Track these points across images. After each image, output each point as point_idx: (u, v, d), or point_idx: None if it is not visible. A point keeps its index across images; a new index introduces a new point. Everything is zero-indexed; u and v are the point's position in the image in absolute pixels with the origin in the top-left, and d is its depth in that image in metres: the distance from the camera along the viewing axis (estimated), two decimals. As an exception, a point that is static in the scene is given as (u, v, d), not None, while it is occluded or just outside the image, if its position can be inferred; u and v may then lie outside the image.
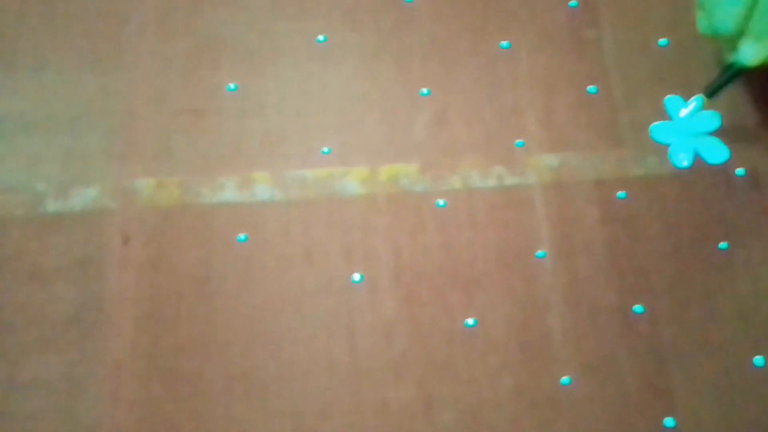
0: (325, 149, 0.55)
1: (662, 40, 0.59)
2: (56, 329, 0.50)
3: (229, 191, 0.54)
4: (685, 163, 0.55)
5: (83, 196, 0.54)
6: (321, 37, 0.58)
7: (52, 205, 0.53)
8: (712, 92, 0.54)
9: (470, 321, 0.51)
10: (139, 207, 0.53)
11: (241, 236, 0.52)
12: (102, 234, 0.52)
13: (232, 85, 0.57)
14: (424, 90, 0.57)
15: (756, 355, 0.50)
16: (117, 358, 0.49)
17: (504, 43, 0.59)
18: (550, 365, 0.50)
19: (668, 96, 0.57)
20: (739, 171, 0.55)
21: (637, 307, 0.51)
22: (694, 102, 0.54)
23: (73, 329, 0.50)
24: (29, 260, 0.51)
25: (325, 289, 0.51)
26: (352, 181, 0.55)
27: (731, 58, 0.50)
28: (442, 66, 0.58)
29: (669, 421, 0.49)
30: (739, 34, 0.46)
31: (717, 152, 0.56)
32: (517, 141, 0.56)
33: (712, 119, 0.57)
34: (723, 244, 0.53)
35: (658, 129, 0.57)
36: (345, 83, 0.57)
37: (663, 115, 0.57)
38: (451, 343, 0.50)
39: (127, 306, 0.50)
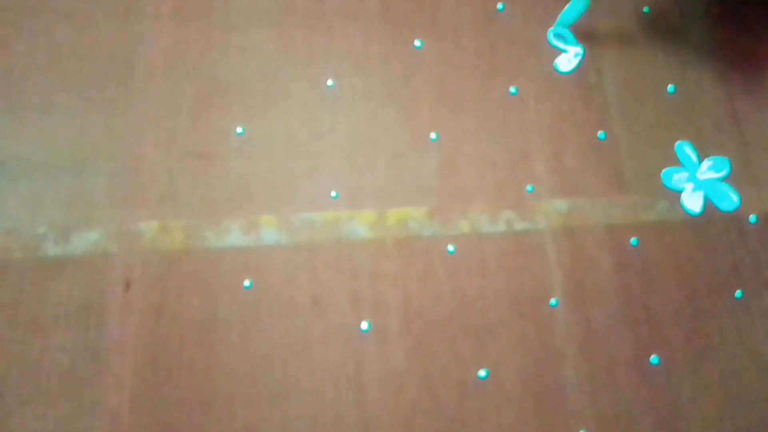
0: (334, 194, 0.55)
1: (670, 87, 0.60)
2: (52, 380, 0.48)
3: (234, 235, 0.53)
4: (697, 210, 0.55)
5: (84, 240, 0.52)
6: (330, 82, 0.58)
7: (52, 249, 0.52)
8: None
9: (482, 373, 0.49)
10: (142, 251, 0.52)
11: (246, 283, 0.51)
12: (103, 279, 0.51)
13: (240, 129, 0.56)
14: (433, 135, 0.57)
15: (777, 409, 0.49)
16: (115, 410, 0.47)
17: (512, 89, 0.59)
18: (565, 419, 0.48)
19: (678, 142, 0.57)
20: (752, 218, 0.55)
21: (653, 358, 0.50)
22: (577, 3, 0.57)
23: (69, 380, 0.48)
24: (27, 307, 0.50)
25: (332, 338, 0.50)
26: (360, 225, 0.54)
27: None
28: (450, 111, 0.58)
29: (690, 480, 0.47)
30: None
31: (728, 199, 0.55)
32: (527, 186, 0.56)
33: (722, 166, 0.56)
34: (738, 293, 0.52)
35: (668, 175, 0.56)
36: (354, 127, 0.57)
37: (673, 160, 0.57)
38: (463, 396, 0.48)
39: (127, 355, 0.49)
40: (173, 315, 0.50)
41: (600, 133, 0.58)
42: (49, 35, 0.59)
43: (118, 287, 0.51)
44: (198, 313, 0.50)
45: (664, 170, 0.56)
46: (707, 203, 0.55)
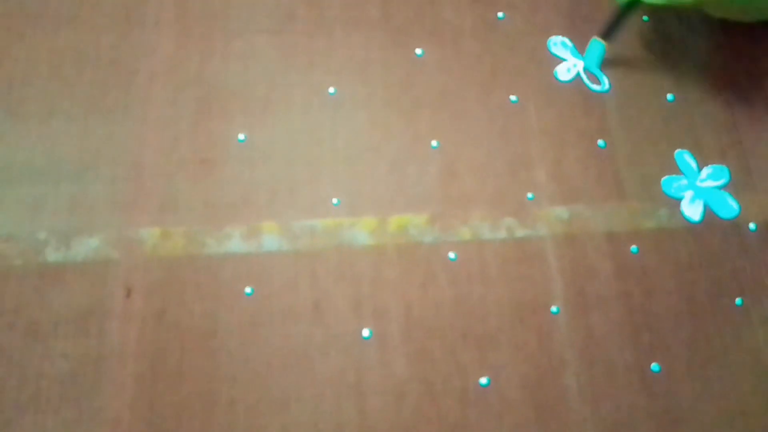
0: (335, 200, 0.55)
1: (669, 95, 0.60)
2: (52, 387, 0.47)
3: (235, 241, 0.53)
4: (697, 218, 0.55)
5: (85, 246, 0.52)
6: (332, 90, 0.59)
7: (53, 255, 0.52)
8: (606, 34, 0.58)
9: (483, 380, 0.49)
10: (143, 257, 0.52)
11: (248, 290, 0.51)
12: (104, 286, 0.51)
13: (241, 136, 0.57)
14: (434, 142, 0.57)
15: (778, 416, 0.49)
16: (115, 417, 0.47)
17: (513, 97, 0.59)
18: (566, 426, 0.48)
19: (677, 150, 0.58)
20: (751, 226, 0.55)
21: (654, 366, 0.50)
22: (595, 47, 0.59)
23: (70, 387, 0.47)
24: (27, 313, 0.49)
25: (333, 345, 0.50)
26: (361, 232, 0.54)
27: None
28: (451, 118, 0.58)
29: (692, 488, 0.47)
30: None
31: (727, 207, 0.56)
32: (527, 193, 0.56)
33: (721, 174, 0.57)
34: (738, 300, 0.53)
35: (668, 183, 0.56)
36: (355, 135, 0.57)
37: (673, 168, 0.57)
38: (464, 403, 0.48)
39: (128, 362, 0.48)
40: (174, 321, 0.50)
41: (600, 141, 0.58)
42: (51, 42, 0.59)
43: (118, 293, 0.51)
44: (199, 319, 0.50)
45: (663, 178, 0.57)
46: (707, 211, 0.56)
